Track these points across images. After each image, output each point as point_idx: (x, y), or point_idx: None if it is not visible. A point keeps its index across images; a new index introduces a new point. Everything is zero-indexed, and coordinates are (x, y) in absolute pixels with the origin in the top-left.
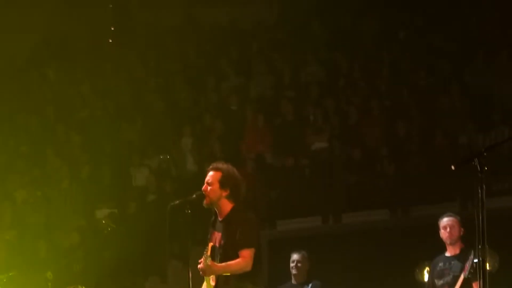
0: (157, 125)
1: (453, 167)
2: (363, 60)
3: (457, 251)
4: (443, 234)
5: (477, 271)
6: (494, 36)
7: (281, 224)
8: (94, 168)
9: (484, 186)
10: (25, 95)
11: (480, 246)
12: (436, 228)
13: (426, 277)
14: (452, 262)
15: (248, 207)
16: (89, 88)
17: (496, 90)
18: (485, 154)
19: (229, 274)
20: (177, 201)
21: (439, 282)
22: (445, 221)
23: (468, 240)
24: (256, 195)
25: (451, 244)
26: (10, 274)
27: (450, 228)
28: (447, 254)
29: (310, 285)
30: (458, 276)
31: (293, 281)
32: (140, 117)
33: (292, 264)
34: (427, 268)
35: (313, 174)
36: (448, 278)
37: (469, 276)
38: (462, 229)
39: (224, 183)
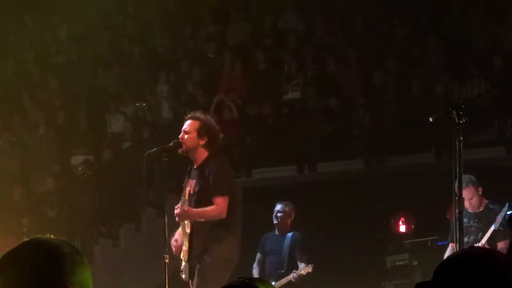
0: (133, 71)
1: (431, 119)
2: (341, 10)
3: (481, 208)
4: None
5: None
6: None
7: (256, 173)
8: (70, 114)
9: (461, 137)
10: (1, 41)
11: (457, 198)
12: (410, 178)
13: (401, 228)
14: (477, 220)
15: (223, 155)
16: (66, 34)
17: (473, 42)
18: (463, 106)
19: (203, 220)
20: (154, 149)
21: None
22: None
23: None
24: (231, 143)
25: (474, 210)
26: None
27: (469, 199)
28: (470, 210)
29: (290, 234)
30: (484, 233)
31: (276, 232)
32: (116, 63)
33: (278, 215)
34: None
35: (289, 123)
36: (473, 236)
37: (499, 228)
38: (480, 188)
39: (201, 132)
